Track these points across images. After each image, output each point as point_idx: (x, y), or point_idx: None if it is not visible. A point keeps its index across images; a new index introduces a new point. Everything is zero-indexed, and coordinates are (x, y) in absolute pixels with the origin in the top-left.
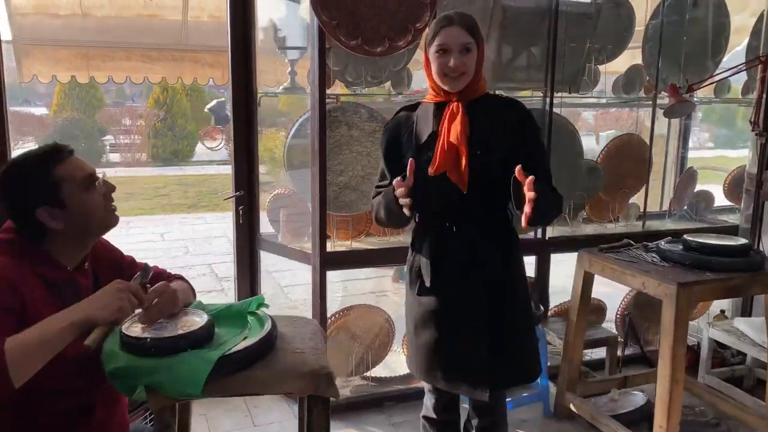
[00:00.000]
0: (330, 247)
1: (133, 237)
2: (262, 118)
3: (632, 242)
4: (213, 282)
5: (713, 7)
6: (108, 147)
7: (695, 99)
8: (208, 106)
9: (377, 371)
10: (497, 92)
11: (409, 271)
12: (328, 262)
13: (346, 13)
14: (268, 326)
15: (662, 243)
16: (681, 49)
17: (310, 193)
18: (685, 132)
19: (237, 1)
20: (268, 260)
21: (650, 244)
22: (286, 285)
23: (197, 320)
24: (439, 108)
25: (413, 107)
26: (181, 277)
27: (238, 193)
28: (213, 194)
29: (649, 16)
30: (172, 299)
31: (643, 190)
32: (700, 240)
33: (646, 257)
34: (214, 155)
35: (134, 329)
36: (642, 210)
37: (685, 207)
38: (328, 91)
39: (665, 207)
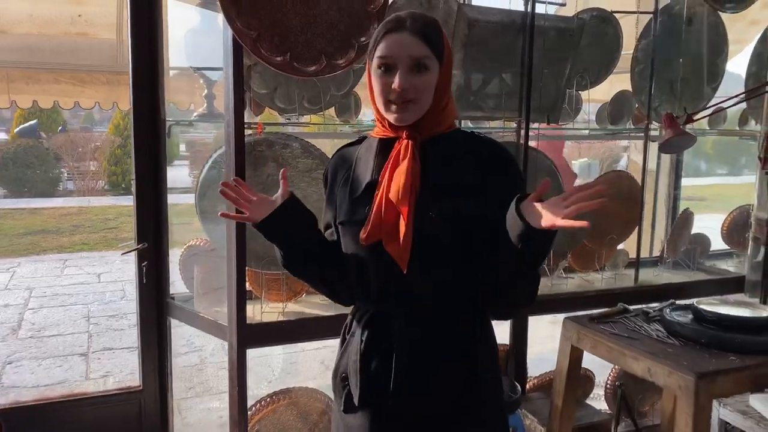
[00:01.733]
0: (254, 312)
1: (66, 278)
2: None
3: (628, 308)
4: None
5: (708, 25)
6: (66, 175)
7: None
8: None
9: None
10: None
11: (334, 375)
12: (250, 337)
13: (271, 23)
14: None
15: (667, 311)
16: (676, 74)
17: (226, 248)
18: (677, 167)
19: (141, 13)
20: None
21: (652, 310)
22: None
23: None
24: (386, 147)
25: (358, 143)
26: None
27: (140, 245)
28: None
29: (638, 36)
30: None
31: (632, 235)
32: (716, 310)
33: (649, 330)
34: (178, 182)
35: None
36: (631, 257)
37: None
38: (255, 120)
39: (655, 252)
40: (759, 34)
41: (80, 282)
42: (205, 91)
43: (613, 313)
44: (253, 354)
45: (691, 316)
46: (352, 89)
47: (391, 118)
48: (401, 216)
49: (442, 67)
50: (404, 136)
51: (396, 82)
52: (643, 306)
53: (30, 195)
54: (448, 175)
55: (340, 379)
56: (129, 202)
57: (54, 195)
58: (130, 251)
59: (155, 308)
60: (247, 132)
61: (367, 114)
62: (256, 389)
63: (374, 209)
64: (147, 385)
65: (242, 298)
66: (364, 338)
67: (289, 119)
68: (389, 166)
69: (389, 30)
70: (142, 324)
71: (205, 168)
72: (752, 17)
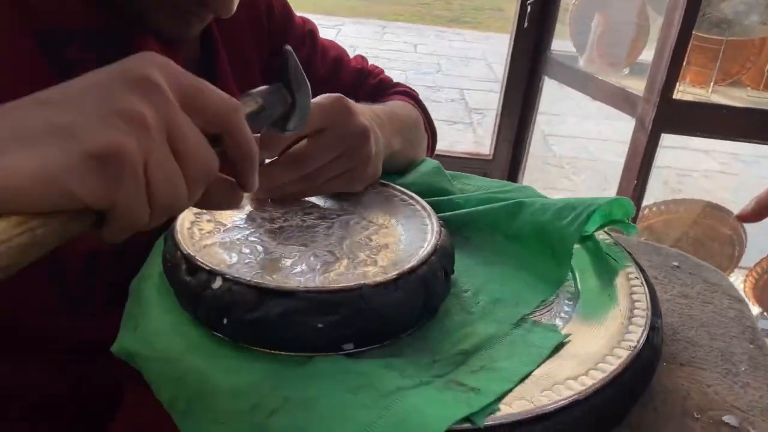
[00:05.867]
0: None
1: (385, 44)
2: None
3: None
4: (462, 112)
5: None
6: None
7: None
8: None
9: None
10: None
11: None
12: (669, 119)
13: None
14: (643, 298)
15: None
16: None
17: None
18: None
19: None
20: None
21: None
22: None
23: (425, 237)
24: None
25: None
26: (406, 92)
27: None
28: (478, 10)
29: None
30: (350, 145)
31: None
32: None
33: None
34: None
35: (224, 237)
36: None
37: None
38: None
39: None
40: None
41: (397, 49)
42: None
43: None
44: None
45: None
46: None
47: None
48: None
49: None
50: None
51: None
52: None
53: None
54: None
55: None
56: None
57: None
58: None
59: (529, 62)
60: None
61: None
62: None
63: None
64: (498, 155)
65: (677, 61)
66: None
67: None
68: None
69: None
70: (509, 81)
71: None
72: None
